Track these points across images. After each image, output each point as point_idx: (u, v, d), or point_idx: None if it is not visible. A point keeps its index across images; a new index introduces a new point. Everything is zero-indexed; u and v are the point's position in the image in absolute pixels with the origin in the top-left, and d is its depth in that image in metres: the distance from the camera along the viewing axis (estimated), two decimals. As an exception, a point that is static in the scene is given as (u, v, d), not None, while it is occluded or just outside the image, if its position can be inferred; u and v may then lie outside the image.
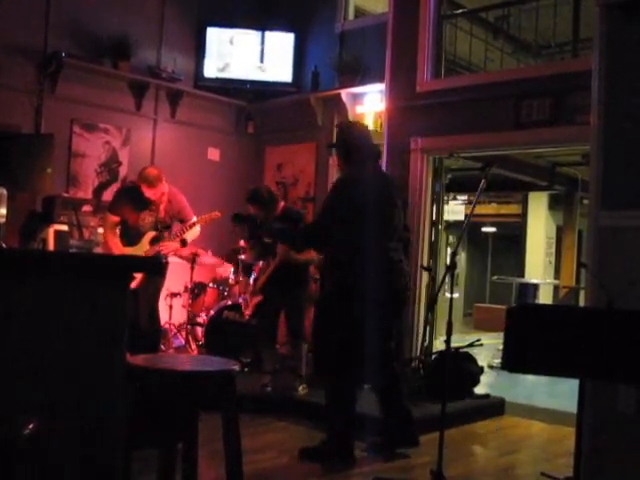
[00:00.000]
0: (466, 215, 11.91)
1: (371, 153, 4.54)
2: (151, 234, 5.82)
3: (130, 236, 5.85)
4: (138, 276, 5.45)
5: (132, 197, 5.80)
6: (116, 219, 5.92)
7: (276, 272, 5.72)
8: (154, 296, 5.92)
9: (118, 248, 5.78)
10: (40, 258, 2.21)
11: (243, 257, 6.76)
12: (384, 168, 7.04)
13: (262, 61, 8.49)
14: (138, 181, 5.75)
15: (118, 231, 5.93)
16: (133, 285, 5.47)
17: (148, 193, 5.69)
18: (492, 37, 9.24)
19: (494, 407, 5.87)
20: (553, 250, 13.43)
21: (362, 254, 4.20)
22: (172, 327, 7.29)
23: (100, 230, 6.42)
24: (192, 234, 5.98)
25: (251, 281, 6.08)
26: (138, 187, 5.74)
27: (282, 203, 5.94)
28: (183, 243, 5.92)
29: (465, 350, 6.09)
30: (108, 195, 7.37)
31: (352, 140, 4.49)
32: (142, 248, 5.77)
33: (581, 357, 2.70)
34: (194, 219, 5.98)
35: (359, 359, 4.40)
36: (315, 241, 4.65)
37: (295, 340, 5.78)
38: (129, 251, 5.75)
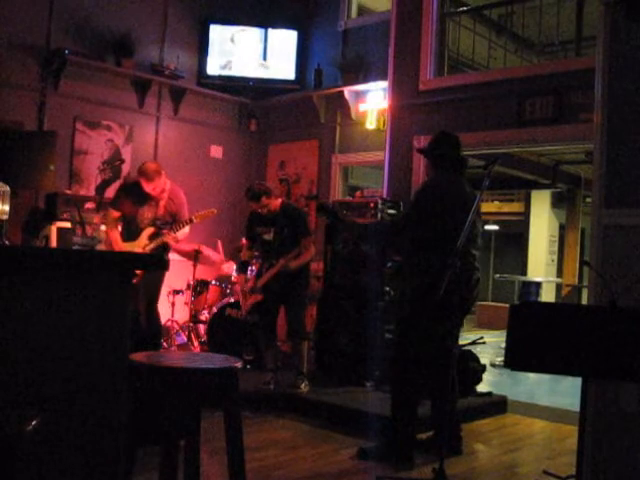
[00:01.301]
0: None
1: (461, 164, 4.62)
2: (150, 230, 5.82)
3: (130, 232, 5.86)
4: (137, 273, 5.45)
5: (132, 192, 5.82)
6: (117, 214, 5.93)
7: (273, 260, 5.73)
8: (153, 294, 5.91)
9: (117, 244, 5.80)
10: (43, 255, 2.21)
11: (241, 257, 6.77)
12: (386, 167, 7.06)
13: (265, 59, 8.50)
14: (137, 175, 5.78)
15: (120, 227, 5.93)
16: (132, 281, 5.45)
17: (147, 187, 5.71)
18: (495, 35, 9.24)
19: (496, 405, 5.87)
20: (556, 248, 13.43)
21: (445, 254, 4.12)
22: (175, 324, 7.29)
23: (103, 227, 6.42)
24: (181, 233, 5.98)
25: (248, 276, 6.08)
26: (138, 182, 5.77)
27: (280, 199, 5.92)
28: (175, 240, 5.94)
29: (468, 348, 6.09)
30: (111, 192, 7.37)
31: (447, 150, 4.58)
32: (140, 243, 5.79)
33: (584, 355, 2.70)
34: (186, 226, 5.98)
35: (426, 359, 4.41)
36: (399, 238, 4.70)
37: (296, 337, 5.77)
38: (128, 246, 5.76)
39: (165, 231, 5.85)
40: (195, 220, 5.93)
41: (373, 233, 5.99)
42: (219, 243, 7.59)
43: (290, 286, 5.71)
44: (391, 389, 4.55)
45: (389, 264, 6.13)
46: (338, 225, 5.17)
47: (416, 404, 4.41)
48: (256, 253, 6.10)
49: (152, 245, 5.77)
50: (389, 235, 5.02)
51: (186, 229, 5.99)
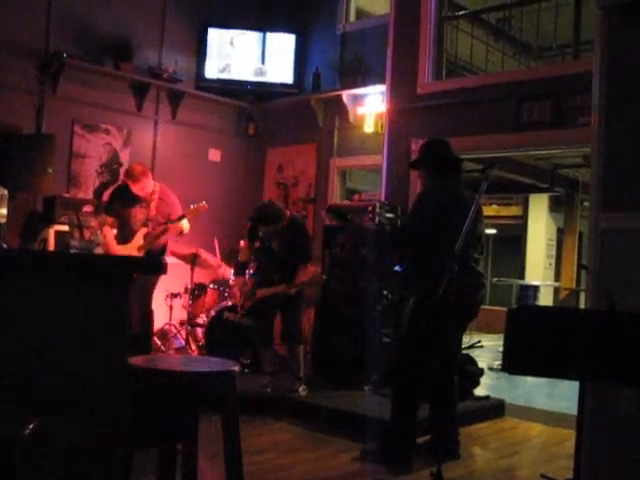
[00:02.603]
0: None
1: (456, 167, 4.63)
2: (144, 230, 5.91)
3: (124, 234, 5.94)
4: None
5: (123, 195, 5.97)
6: (110, 219, 6.01)
7: (274, 274, 5.72)
8: (146, 297, 5.94)
9: (112, 247, 5.87)
10: (41, 259, 2.21)
11: (239, 258, 6.76)
12: (384, 170, 7.06)
13: (263, 62, 8.50)
14: (125, 178, 5.94)
15: (115, 230, 6.00)
16: None
17: (135, 189, 5.85)
18: (493, 39, 9.25)
19: (494, 409, 5.87)
20: (554, 252, 13.42)
21: (445, 259, 4.08)
22: (172, 328, 7.28)
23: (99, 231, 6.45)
24: (186, 227, 6.02)
25: (246, 278, 6.08)
26: (127, 185, 5.91)
27: (288, 212, 5.90)
28: (180, 232, 5.99)
29: (465, 351, 6.08)
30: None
31: (440, 156, 4.59)
32: (135, 244, 5.84)
33: (581, 359, 2.70)
34: (185, 223, 6.02)
35: (427, 362, 4.40)
36: (401, 245, 4.69)
37: (292, 341, 5.77)
38: (122, 249, 5.83)
39: (158, 230, 5.89)
40: (187, 216, 5.99)
41: (371, 237, 5.99)
42: (215, 242, 7.57)
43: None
44: (392, 392, 4.55)
45: (396, 268, 6.11)
46: (348, 228, 5.16)
47: (416, 408, 4.41)
48: (252, 260, 6.08)
49: (145, 245, 5.82)
50: (391, 243, 5.03)
51: (186, 224, 6.02)
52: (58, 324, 2.03)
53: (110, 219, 6.00)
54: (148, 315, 5.98)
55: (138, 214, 5.92)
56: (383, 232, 5.96)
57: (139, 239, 5.87)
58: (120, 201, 5.96)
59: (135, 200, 5.91)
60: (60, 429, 1.99)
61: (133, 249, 5.82)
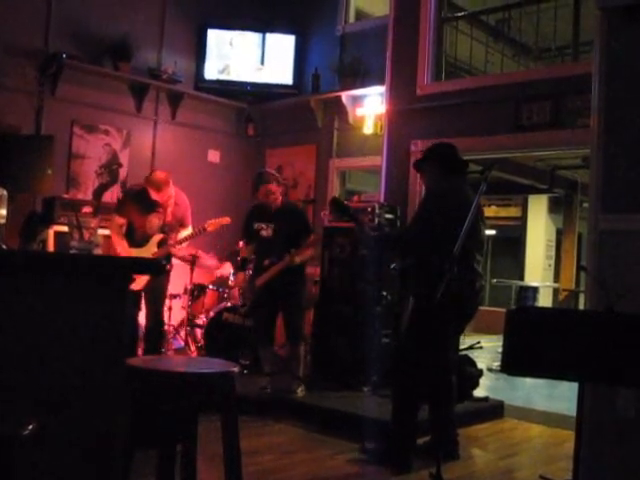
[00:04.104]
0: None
1: (462, 168, 4.66)
2: (159, 237, 5.87)
3: (136, 238, 5.88)
4: (144, 278, 5.50)
5: (139, 199, 5.84)
6: (122, 220, 5.94)
7: (271, 257, 5.73)
8: (160, 297, 5.96)
9: (124, 249, 5.80)
10: (40, 259, 2.21)
11: (239, 257, 6.76)
12: (383, 171, 7.07)
13: (263, 63, 8.51)
14: (145, 184, 5.81)
15: (124, 232, 5.97)
16: (139, 287, 5.57)
17: (155, 196, 5.76)
18: (492, 40, 9.25)
19: (493, 410, 5.87)
20: (553, 253, 13.44)
21: (445, 260, 3.95)
22: (172, 328, 7.28)
23: (100, 231, 6.44)
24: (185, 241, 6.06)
25: (246, 274, 6.08)
26: (145, 190, 5.79)
27: (280, 198, 5.92)
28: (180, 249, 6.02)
29: (465, 352, 6.08)
30: (108, 197, 7.38)
31: (448, 155, 4.62)
32: (150, 250, 5.81)
33: (580, 360, 2.70)
34: (189, 230, 6.01)
35: (426, 362, 4.40)
36: (406, 246, 4.69)
37: (294, 340, 5.77)
38: (135, 252, 5.78)
39: (171, 241, 5.89)
40: (208, 229, 5.97)
41: (374, 238, 5.98)
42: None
43: (288, 288, 5.70)
44: (392, 392, 4.56)
45: (393, 265, 6.09)
46: (354, 225, 5.12)
47: (416, 409, 4.41)
48: (252, 256, 6.09)
49: (160, 253, 5.80)
50: (391, 246, 5.03)
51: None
52: (57, 324, 2.04)
53: (122, 221, 5.93)
54: (161, 315, 6.00)
55: (154, 220, 5.87)
56: (384, 233, 5.96)
57: (153, 245, 5.83)
58: (135, 205, 5.86)
59: (154, 206, 5.84)
60: (60, 429, 1.99)
61: (148, 254, 5.77)
